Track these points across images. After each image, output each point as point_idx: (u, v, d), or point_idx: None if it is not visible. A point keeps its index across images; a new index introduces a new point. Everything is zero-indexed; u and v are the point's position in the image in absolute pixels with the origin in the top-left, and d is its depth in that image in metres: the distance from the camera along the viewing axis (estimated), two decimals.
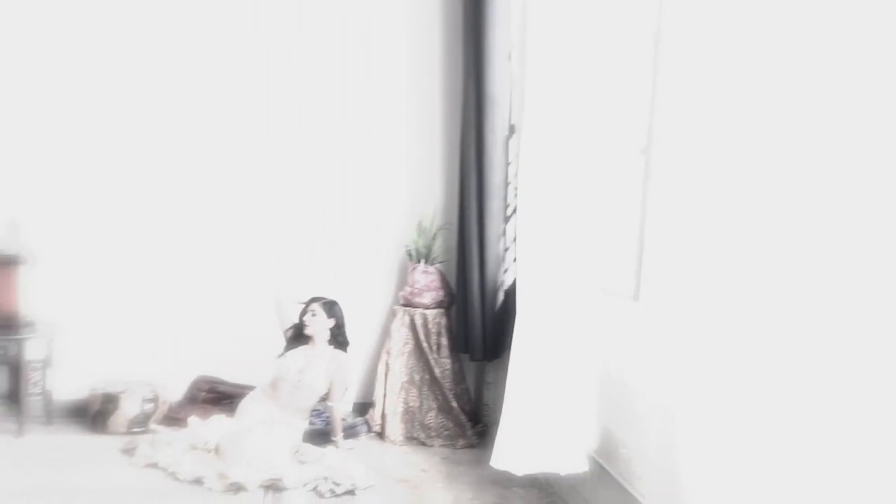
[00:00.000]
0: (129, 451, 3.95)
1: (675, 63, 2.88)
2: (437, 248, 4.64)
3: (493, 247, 4.29)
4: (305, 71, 4.65)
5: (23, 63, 4.38)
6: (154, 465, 3.76)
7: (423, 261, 4.61)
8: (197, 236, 4.61)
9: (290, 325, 4.25)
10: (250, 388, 4.30)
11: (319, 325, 4.15)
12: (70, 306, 4.46)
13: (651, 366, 2.93)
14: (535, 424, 3.28)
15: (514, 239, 4.18)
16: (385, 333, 4.68)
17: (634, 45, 3.24)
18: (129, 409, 4.32)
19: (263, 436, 3.78)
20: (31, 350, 4.25)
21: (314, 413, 4.30)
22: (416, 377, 4.53)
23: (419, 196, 4.79)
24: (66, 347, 4.44)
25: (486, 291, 4.32)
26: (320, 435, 4.15)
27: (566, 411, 3.27)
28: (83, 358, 4.47)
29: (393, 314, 4.63)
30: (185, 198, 4.59)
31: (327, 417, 4.28)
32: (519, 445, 3.30)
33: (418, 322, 4.54)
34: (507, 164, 4.31)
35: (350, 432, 4.30)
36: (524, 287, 3.45)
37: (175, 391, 4.59)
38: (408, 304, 4.60)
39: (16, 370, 4.31)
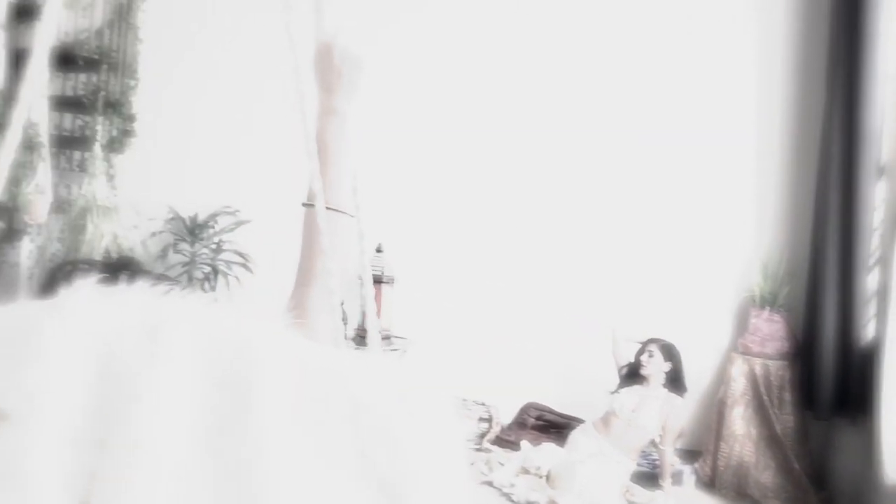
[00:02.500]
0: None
1: None
2: (785, 295, 4.33)
3: (853, 298, 3.90)
4: (645, 103, 4.65)
5: (395, 105, 4.94)
6: (489, 484, 3.96)
7: (767, 307, 4.33)
8: (538, 267, 4.81)
9: (625, 362, 4.25)
10: (577, 420, 4.36)
11: (656, 367, 4.08)
12: (418, 323, 4.89)
13: None
14: None
15: (878, 290, 3.76)
16: (720, 380, 4.47)
17: None
18: (466, 426, 4.61)
19: (595, 469, 3.81)
20: None
21: (641, 454, 4.23)
22: (754, 431, 4.25)
23: (762, 237, 4.52)
24: (412, 361, 4.87)
25: (840, 345, 3.93)
26: (646, 477, 4.07)
27: None
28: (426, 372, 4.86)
29: (730, 361, 4.40)
30: (529, 228, 4.82)
31: (654, 460, 4.18)
32: None
33: (759, 373, 4.26)
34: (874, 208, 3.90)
35: (677, 479, 4.16)
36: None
37: (505, 414, 4.80)
38: (747, 352, 4.35)
39: None
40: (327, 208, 1.00)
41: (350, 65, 1.12)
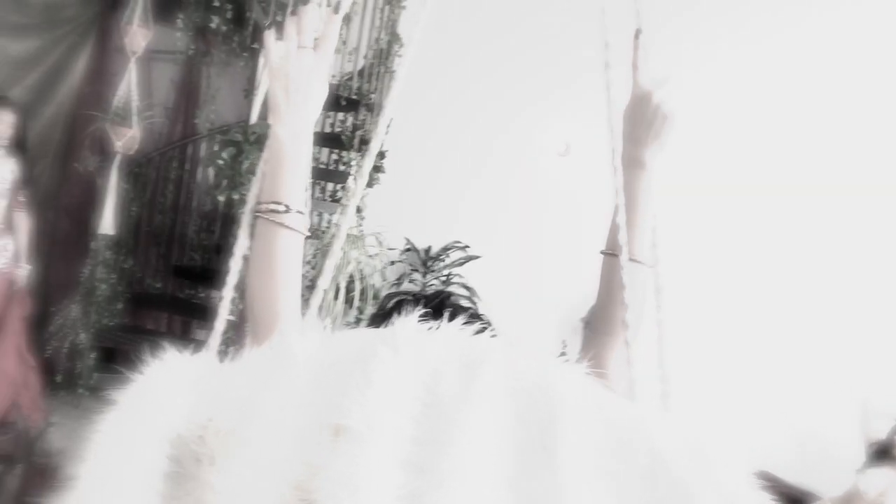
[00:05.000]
0: None
1: None
2: None
3: None
4: None
5: None
6: None
7: None
8: (792, 320, 4.51)
9: (876, 439, 3.85)
10: (812, 495, 4.01)
11: None
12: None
13: None
14: None
15: None
16: None
17: None
18: None
19: None
20: None
21: None
22: None
23: None
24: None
25: None
26: None
27: None
28: None
29: None
30: (793, 283, 4.55)
31: None
32: None
33: None
34: None
35: None
36: None
37: None
38: None
39: None
40: (629, 260, 1.00)
41: (663, 118, 1.10)
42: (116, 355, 5.24)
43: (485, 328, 0.80)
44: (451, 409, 0.70)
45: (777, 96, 4.67)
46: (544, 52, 5.25)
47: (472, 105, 5.26)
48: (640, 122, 1.11)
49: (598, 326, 1.08)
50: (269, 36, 1.03)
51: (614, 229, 1.01)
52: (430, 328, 0.76)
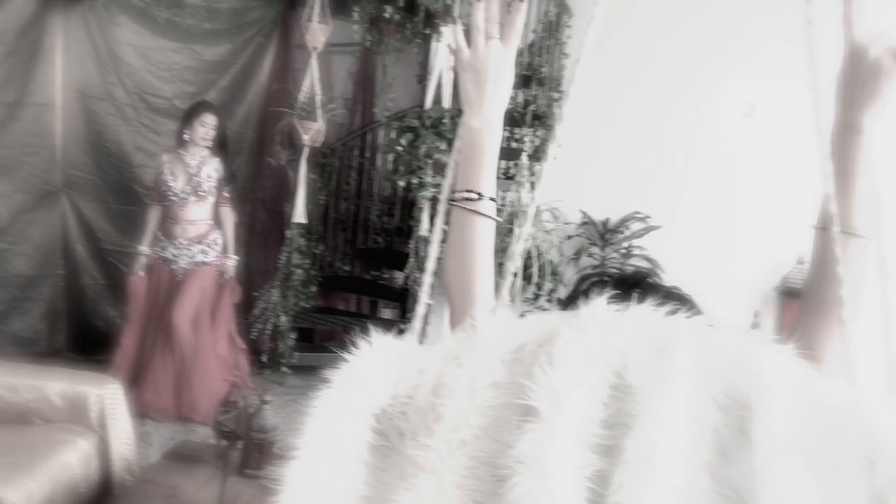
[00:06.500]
0: None
1: None
2: None
3: None
4: None
5: None
6: None
7: None
8: None
9: None
10: None
11: None
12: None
13: None
14: None
15: None
16: None
17: None
18: None
19: None
20: None
21: None
22: None
23: None
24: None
25: None
26: None
27: None
28: None
29: None
30: None
31: None
32: None
33: None
34: None
35: None
36: None
37: None
38: None
39: None
40: (842, 232, 0.94)
41: (884, 76, 0.98)
42: (313, 335, 5.61)
43: (681, 308, 0.78)
44: (640, 391, 0.69)
45: None
46: (722, 5, 4.97)
47: (646, 67, 5.08)
48: (855, 82, 0.99)
49: (810, 303, 1.01)
50: (458, 30, 1.05)
51: (826, 200, 0.94)
52: (618, 309, 0.76)
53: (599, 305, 0.76)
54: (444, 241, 1.05)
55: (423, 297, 0.98)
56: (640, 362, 0.71)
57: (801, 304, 1.03)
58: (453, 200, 1.05)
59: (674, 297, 0.95)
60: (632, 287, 0.96)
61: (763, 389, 0.69)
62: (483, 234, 1.03)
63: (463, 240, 1.03)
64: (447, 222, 1.06)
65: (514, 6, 1.05)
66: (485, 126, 1.05)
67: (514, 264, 0.96)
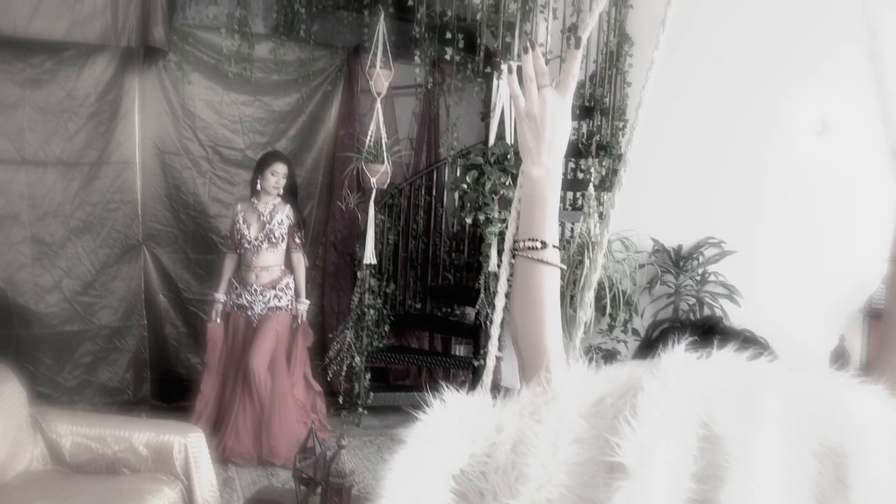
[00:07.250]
0: None
1: None
2: None
3: None
4: None
5: None
6: None
7: None
8: None
9: None
10: None
11: None
12: None
13: None
14: None
15: None
16: None
17: None
18: None
19: None
20: None
21: None
22: None
23: None
24: None
25: None
26: None
27: None
28: None
29: None
30: None
31: None
32: None
33: None
34: None
35: None
36: None
37: None
38: None
39: None
40: None
41: None
42: (388, 374, 5.64)
43: (761, 353, 0.75)
44: (729, 441, 0.67)
45: None
46: (792, 22, 4.86)
47: (713, 85, 4.99)
48: None
49: (887, 340, 0.97)
50: (513, 81, 1.06)
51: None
52: (699, 356, 0.73)
53: (679, 353, 0.74)
54: (508, 291, 1.04)
55: (492, 349, 0.97)
56: (727, 411, 0.68)
57: (882, 339, 0.99)
58: (517, 250, 1.04)
59: (750, 342, 0.92)
60: (706, 333, 0.93)
61: (857, 434, 0.66)
62: (550, 282, 1.02)
63: (529, 290, 1.02)
64: (511, 273, 1.05)
65: (570, 52, 1.04)
66: (545, 174, 1.05)
67: (586, 314, 0.95)
